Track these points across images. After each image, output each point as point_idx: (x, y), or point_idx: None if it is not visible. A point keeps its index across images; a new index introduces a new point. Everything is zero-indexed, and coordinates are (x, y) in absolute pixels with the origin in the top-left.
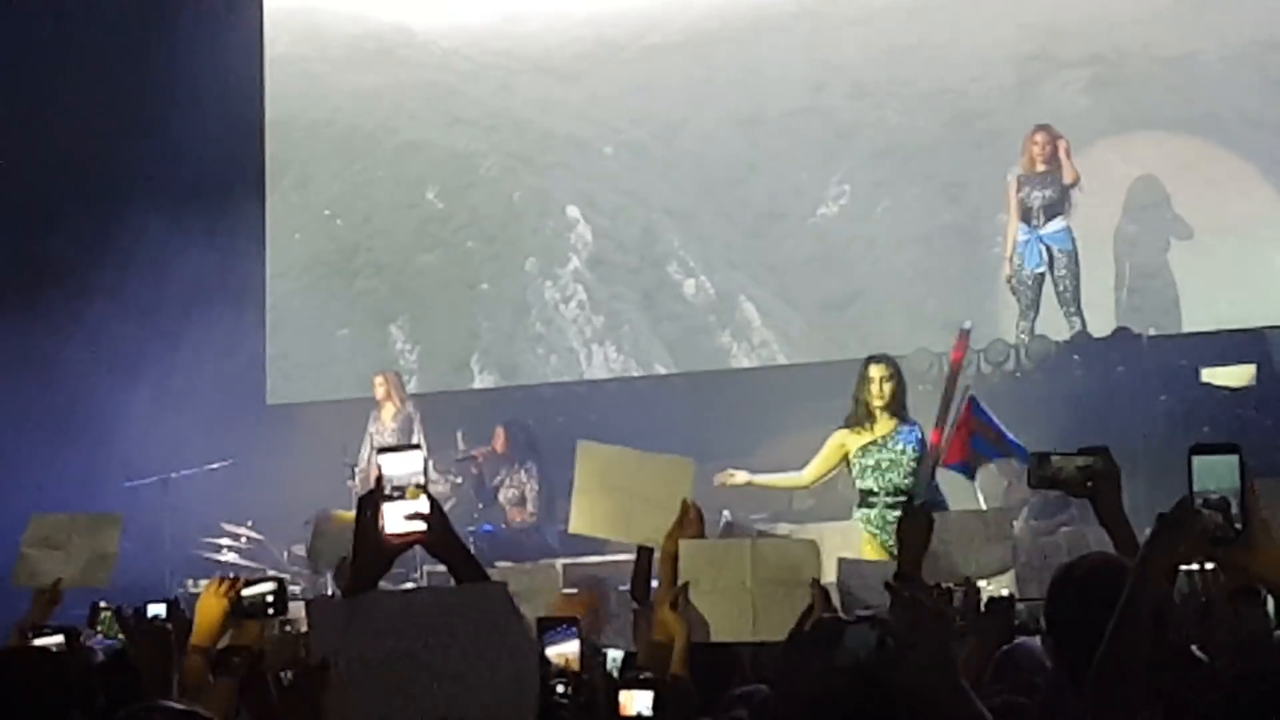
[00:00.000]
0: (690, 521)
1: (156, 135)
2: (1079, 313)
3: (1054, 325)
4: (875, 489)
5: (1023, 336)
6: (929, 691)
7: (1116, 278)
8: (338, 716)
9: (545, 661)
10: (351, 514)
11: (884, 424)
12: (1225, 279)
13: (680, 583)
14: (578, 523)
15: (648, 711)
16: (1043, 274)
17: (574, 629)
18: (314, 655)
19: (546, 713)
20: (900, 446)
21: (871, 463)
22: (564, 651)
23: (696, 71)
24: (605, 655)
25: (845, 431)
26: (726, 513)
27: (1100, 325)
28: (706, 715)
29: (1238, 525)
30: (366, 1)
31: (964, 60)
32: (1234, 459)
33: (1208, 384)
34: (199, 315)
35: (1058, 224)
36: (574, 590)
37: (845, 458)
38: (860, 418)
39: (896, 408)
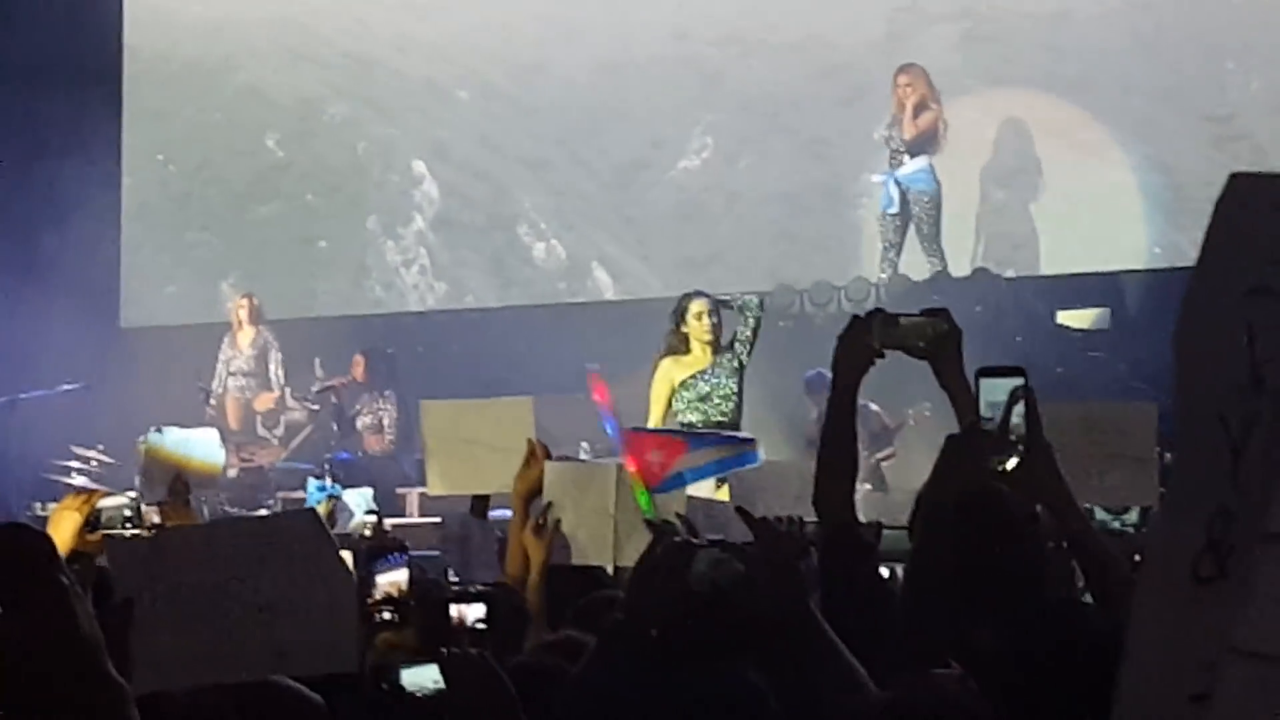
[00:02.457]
0: (536, 460)
1: (9, 42)
2: (939, 252)
3: (918, 267)
4: (698, 422)
5: (883, 276)
6: (779, 615)
7: (977, 220)
8: (146, 654)
9: (371, 588)
10: (184, 431)
11: (706, 356)
12: (1082, 224)
13: (544, 502)
14: (436, 484)
15: (481, 624)
16: (895, 214)
17: (403, 556)
18: (117, 594)
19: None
20: (721, 379)
21: (695, 395)
22: (393, 579)
23: (559, 11)
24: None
25: (669, 363)
26: (585, 444)
27: (960, 267)
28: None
29: (1021, 446)
30: None
31: (834, 10)
32: (1019, 381)
33: (1063, 326)
34: (52, 234)
35: (918, 163)
36: None
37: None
38: (680, 349)
39: (718, 342)
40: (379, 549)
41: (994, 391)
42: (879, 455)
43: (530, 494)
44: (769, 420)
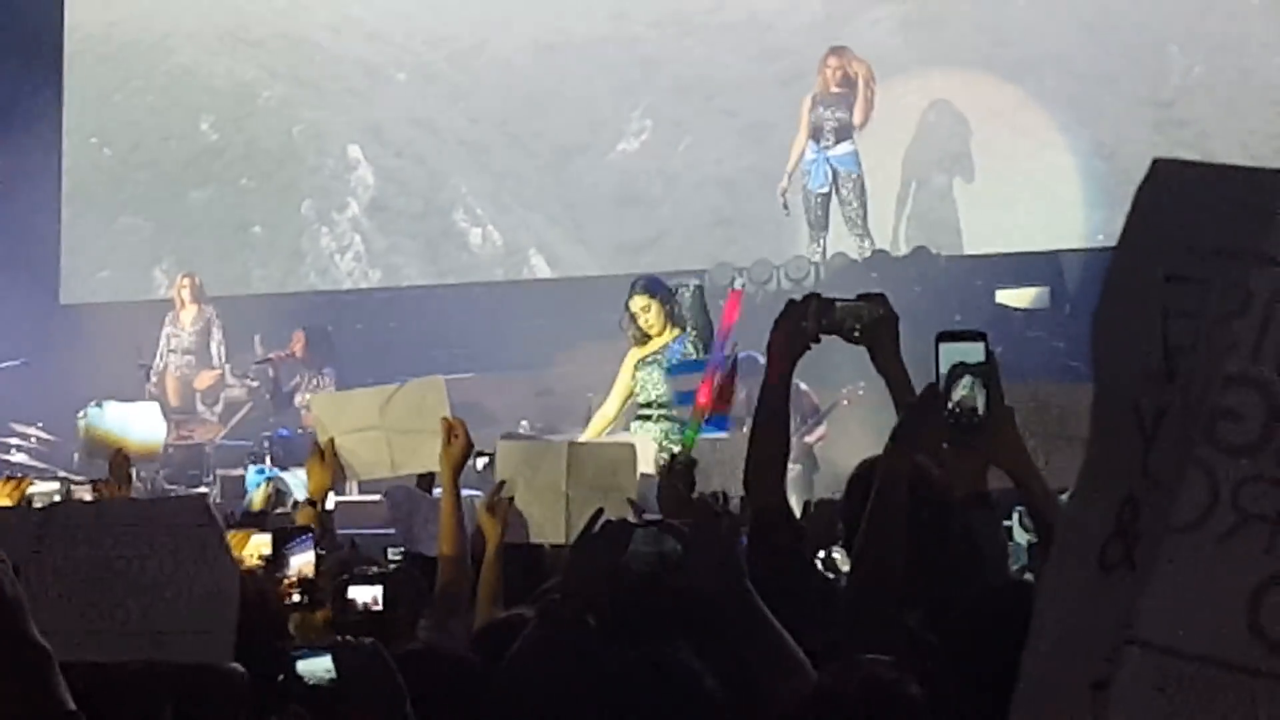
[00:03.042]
0: (457, 438)
1: None
2: (867, 234)
3: (847, 246)
4: (652, 400)
5: (816, 255)
6: (715, 594)
7: (916, 201)
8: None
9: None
10: (124, 405)
11: (660, 339)
12: (1024, 208)
13: (497, 480)
14: (349, 472)
15: (377, 605)
16: (827, 194)
17: (309, 538)
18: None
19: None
20: (675, 359)
21: (649, 376)
22: (303, 560)
23: None
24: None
25: (633, 350)
26: (525, 422)
27: (897, 247)
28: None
29: (981, 411)
30: None
31: None
32: (980, 346)
33: (1002, 305)
34: None
35: (846, 146)
36: None
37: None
38: (639, 338)
39: (668, 324)
40: (288, 531)
41: (954, 357)
42: (810, 437)
43: (456, 472)
44: None
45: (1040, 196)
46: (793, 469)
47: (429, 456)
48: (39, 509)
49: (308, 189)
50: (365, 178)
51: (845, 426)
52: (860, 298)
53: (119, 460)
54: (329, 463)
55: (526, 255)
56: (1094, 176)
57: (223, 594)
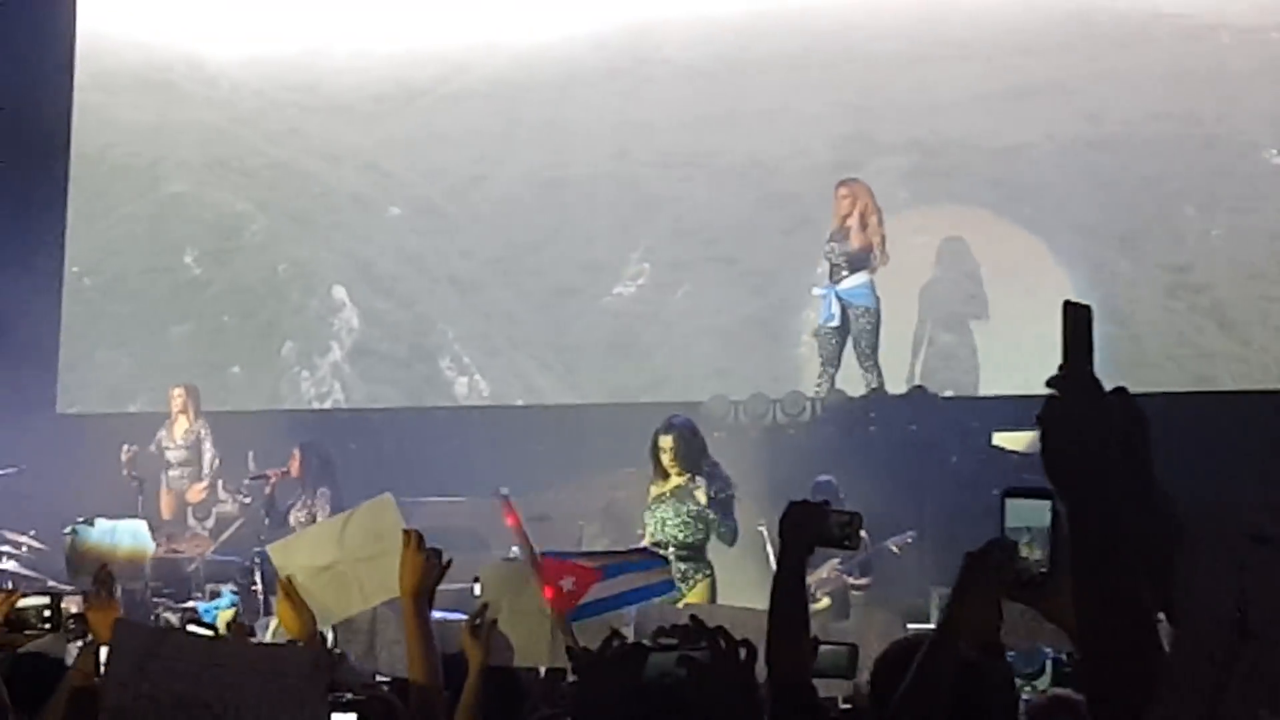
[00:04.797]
0: (411, 551)
1: None
2: (876, 369)
3: (854, 383)
4: (660, 541)
5: (819, 391)
6: None
7: (917, 346)
8: None
9: None
10: (111, 523)
11: (675, 479)
12: (1031, 369)
13: (480, 602)
14: (323, 617)
15: None
16: (835, 328)
17: None
18: (109, 677)
19: None
20: (686, 502)
21: (658, 517)
22: None
23: (497, 125)
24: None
25: (654, 486)
26: (515, 549)
27: (900, 385)
28: None
29: (1044, 569)
30: (157, 26)
31: (779, 135)
32: (1046, 504)
33: (998, 447)
34: None
35: (857, 279)
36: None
37: None
38: (658, 475)
39: (687, 465)
40: None
41: (1020, 514)
42: (854, 580)
43: (418, 590)
44: None
45: (1050, 359)
46: (820, 601)
47: (395, 582)
48: (152, 630)
49: (290, 329)
50: (350, 320)
51: (889, 577)
52: (835, 511)
53: (104, 575)
54: (298, 602)
55: (513, 405)
56: (1107, 341)
57: None
